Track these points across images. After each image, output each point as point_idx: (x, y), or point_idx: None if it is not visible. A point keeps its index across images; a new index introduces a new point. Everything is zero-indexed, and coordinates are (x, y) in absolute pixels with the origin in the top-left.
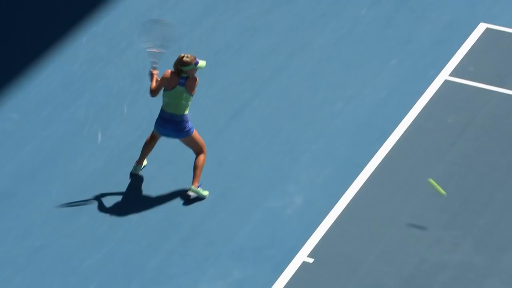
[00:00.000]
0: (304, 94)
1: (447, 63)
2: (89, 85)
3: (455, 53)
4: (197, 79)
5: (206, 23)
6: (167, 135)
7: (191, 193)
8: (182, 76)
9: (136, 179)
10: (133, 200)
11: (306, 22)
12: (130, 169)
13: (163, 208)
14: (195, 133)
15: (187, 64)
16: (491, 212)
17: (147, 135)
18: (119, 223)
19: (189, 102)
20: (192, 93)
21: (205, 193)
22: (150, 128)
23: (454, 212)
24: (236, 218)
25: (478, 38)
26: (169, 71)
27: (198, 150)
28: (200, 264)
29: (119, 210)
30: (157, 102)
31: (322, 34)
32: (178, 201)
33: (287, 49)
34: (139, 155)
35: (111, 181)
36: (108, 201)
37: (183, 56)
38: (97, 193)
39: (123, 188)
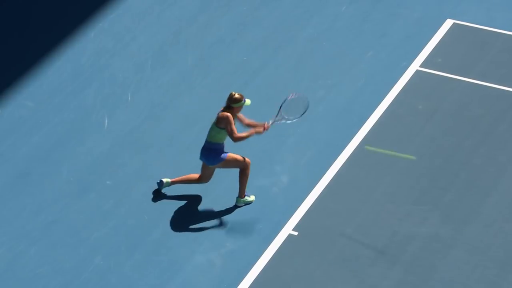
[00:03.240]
0: (289, 83)
1: (418, 55)
2: (96, 76)
3: (425, 46)
4: (229, 117)
5: (201, 19)
6: (200, 158)
7: (239, 204)
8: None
9: (138, 161)
10: (136, 179)
11: (291, 18)
12: (133, 151)
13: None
14: (230, 157)
15: (238, 100)
16: (456, 189)
17: (149, 121)
18: (123, 200)
19: (220, 135)
20: (218, 126)
21: (251, 198)
22: (151, 114)
23: (422, 189)
24: (228, 195)
25: (446, 33)
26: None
27: (239, 168)
28: (196, 236)
29: (123, 188)
30: (158, 90)
31: (306, 29)
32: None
33: (274, 43)
34: (141, 139)
35: (116, 162)
36: (113, 181)
37: (234, 94)
38: (103, 173)
39: (126, 168)
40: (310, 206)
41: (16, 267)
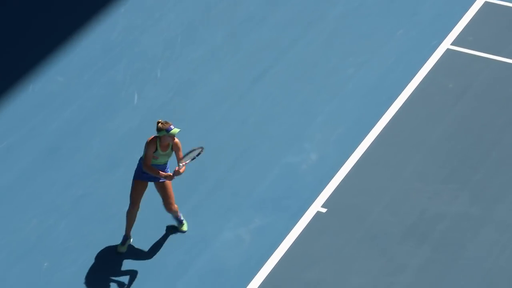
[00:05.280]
0: (319, 60)
1: (449, 33)
2: (126, 52)
3: (456, 24)
4: (147, 143)
5: None
6: None
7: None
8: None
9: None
10: None
11: None
12: None
13: (191, 163)
14: (132, 184)
15: (159, 129)
16: (486, 168)
17: (178, 97)
18: None
19: (144, 157)
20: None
21: (121, 248)
22: (180, 90)
23: (452, 168)
24: (257, 172)
25: (477, 11)
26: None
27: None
28: (225, 213)
29: None
30: (188, 67)
31: (336, 6)
32: (205, 157)
33: (305, 20)
34: (170, 115)
35: (145, 138)
36: None
37: (158, 122)
38: (132, 148)
39: None
40: (339, 184)
41: (46, 240)
